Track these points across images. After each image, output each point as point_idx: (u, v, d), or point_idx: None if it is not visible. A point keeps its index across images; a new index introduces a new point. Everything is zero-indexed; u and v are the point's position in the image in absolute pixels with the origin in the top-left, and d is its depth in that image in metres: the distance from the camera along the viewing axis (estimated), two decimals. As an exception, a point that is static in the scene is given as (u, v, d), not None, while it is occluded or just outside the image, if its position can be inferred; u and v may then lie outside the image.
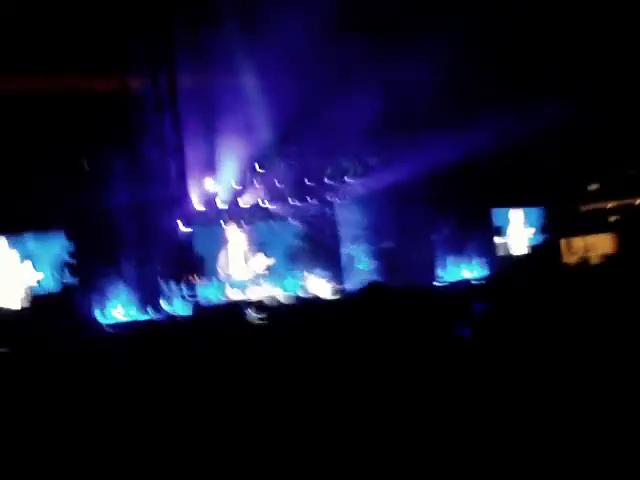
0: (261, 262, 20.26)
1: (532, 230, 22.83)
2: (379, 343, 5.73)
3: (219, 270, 19.60)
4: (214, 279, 19.21)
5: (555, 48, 18.59)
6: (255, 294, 18.92)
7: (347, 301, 11.62)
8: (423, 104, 18.51)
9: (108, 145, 15.94)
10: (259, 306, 15.53)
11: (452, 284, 18.91)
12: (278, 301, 17.76)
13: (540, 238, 22.65)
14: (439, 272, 20.47)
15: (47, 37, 15.09)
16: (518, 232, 22.58)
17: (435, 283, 19.37)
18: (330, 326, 7.99)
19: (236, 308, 15.98)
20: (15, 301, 15.87)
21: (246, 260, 20.18)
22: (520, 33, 18.20)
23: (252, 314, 13.14)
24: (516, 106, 17.76)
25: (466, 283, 18.09)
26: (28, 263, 16.06)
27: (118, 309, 16.42)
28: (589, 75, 18.81)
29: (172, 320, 14.97)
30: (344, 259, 21.12)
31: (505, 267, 20.47)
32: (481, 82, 18.66)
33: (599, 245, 21.04)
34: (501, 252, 21.95)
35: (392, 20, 16.76)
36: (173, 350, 7.53)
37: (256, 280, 19.87)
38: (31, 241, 16.07)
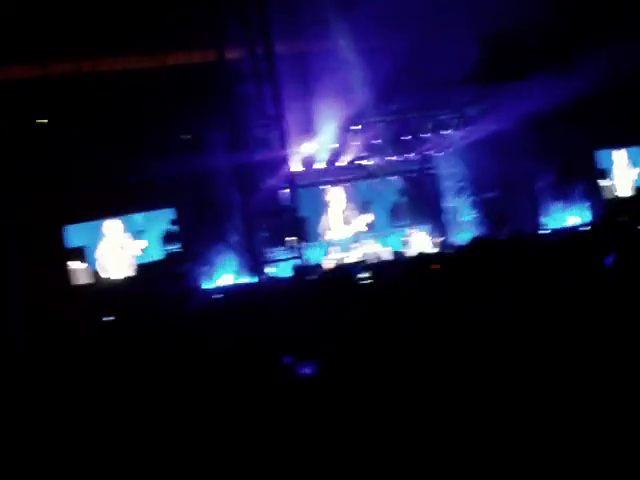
0: (362, 220, 20.54)
1: (637, 170, 22.12)
2: (484, 297, 5.86)
3: (321, 231, 20.05)
4: (317, 240, 19.72)
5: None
6: (358, 253, 19.32)
7: (454, 256, 11.69)
8: (520, 49, 18.26)
9: (210, 115, 16.41)
10: (363, 265, 15.92)
11: (557, 231, 18.71)
12: (380, 259, 18.09)
13: None
14: (544, 219, 20.16)
15: (145, 12, 15.57)
16: (623, 173, 21.96)
17: (540, 231, 19.20)
18: (435, 283, 8.15)
19: (339, 269, 16.46)
20: (127, 272, 16.80)
21: (347, 219, 20.48)
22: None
23: (356, 274, 13.46)
24: (615, 43, 17.30)
25: (572, 230, 17.88)
26: (139, 238, 16.96)
27: (224, 275, 16.95)
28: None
29: (273, 282, 15.48)
30: (447, 212, 21.20)
31: (612, 211, 20.00)
32: (576, 21, 18.24)
33: None
34: (607, 195, 21.42)
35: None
36: (270, 311, 7.82)
37: (358, 239, 20.13)
38: (141, 217, 16.93)
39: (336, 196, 20.47)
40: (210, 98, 16.26)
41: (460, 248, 13.89)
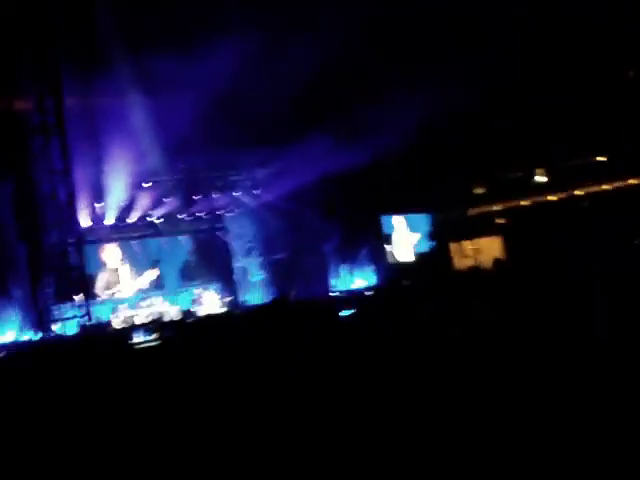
0: (147, 277, 21.02)
1: (417, 235, 23.87)
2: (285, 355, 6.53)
3: (108, 288, 20.30)
4: (104, 297, 19.96)
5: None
6: (146, 312, 19.64)
7: (249, 315, 12.45)
8: (307, 115, 19.48)
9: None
10: (148, 326, 16.38)
11: (346, 292, 19.94)
12: (166, 318, 18.59)
13: (428, 243, 23.78)
14: (332, 281, 21.49)
15: None
16: (403, 239, 23.67)
17: (329, 293, 20.39)
18: (232, 343, 8.83)
19: (123, 330, 16.80)
20: None
21: (135, 276, 20.92)
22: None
23: (141, 336, 14.00)
24: (391, 110, 18.67)
25: (358, 292, 19.17)
26: None
27: (7, 331, 16.77)
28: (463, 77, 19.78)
29: (58, 341, 15.55)
30: (237, 272, 22.07)
31: (393, 275, 21.47)
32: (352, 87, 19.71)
33: (488, 248, 22.35)
34: (390, 259, 23.05)
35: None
36: (56, 372, 8.10)
37: (146, 296, 20.52)
38: None
39: (115, 253, 20.81)
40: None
41: (257, 307, 14.77)
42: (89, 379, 7.30)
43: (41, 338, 16.23)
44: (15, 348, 14.66)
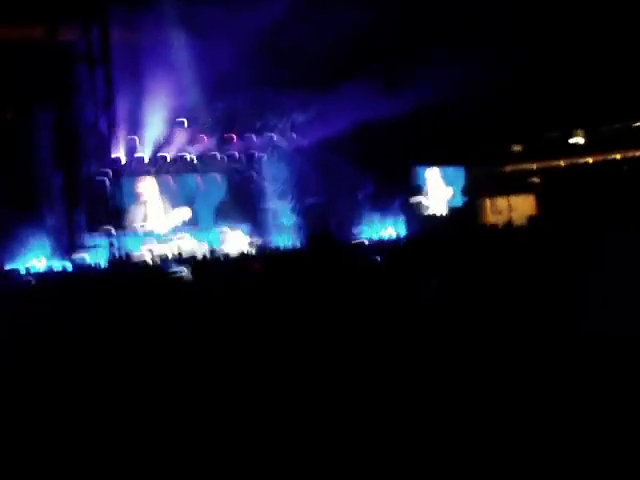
0: (180, 214, 21.20)
1: (450, 190, 24.12)
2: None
3: (140, 221, 20.51)
4: (135, 230, 20.10)
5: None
6: (174, 247, 19.92)
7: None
8: (350, 60, 19.56)
9: (37, 94, 16.73)
10: (178, 260, 16.65)
11: (369, 242, 20.21)
12: (196, 255, 18.87)
13: (462, 198, 23.90)
14: (360, 229, 21.67)
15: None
16: (437, 191, 23.92)
17: (354, 240, 20.62)
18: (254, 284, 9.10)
19: (152, 263, 17.11)
20: None
21: (166, 212, 21.10)
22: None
23: (171, 268, 14.29)
24: (432, 63, 18.71)
25: (381, 242, 19.42)
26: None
27: (39, 258, 17.26)
28: (507, 35, 19.74)
29: (89, 270, 15.99)
30: (266, 214, 22.21)
31: (423, 228, 21.62)
32: (394, 40, 19.80)
33: (522, 206, 22.12)
34: (422, 211, 23.30)
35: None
36: (89, 300, 8.36)
37: (176, 233, 20.77)
38: None
39: (150, 187, 20.94)
40: (38, 77, 16.43)
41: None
42: (118, 307, 7.64)
43: (72, 268, 16.62)
44: (47, 276, 15.12)
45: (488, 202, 23.52)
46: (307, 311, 6.27)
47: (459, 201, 24.00)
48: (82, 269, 16.36)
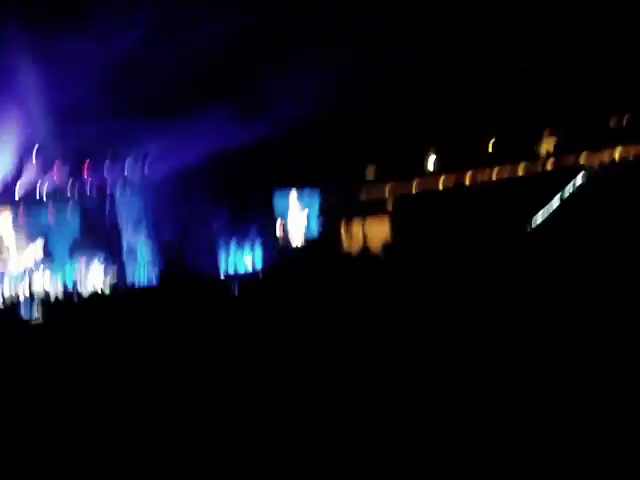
0: (34, 252, 20.63)
1: (305, 212, 24.25)
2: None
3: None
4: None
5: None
6: (29, 287, 19.54)
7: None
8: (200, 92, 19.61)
9: None
10: (32, 302, 16.20)
11: (234, 272, 20.23)
12: (50, 295, 18.41)
13: (319, 221, 24.20)
14: (221, 260, 21.74)
15: None
16: (296, 215, 24.02)
17: (218, 271, 20.75)
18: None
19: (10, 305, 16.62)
20: None
21: (20, 250, 20.53)
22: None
23: (27, 311, 13.95)
24: (287, 84, 19.24)
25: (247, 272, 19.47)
26: None
27: None
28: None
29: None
30: (123, 249, 21.83)
31: (284, 254, 21.81)
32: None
33: (375, 230, 23.02)
34: (281, 236, 23.49)
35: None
36: None
37: (31, 271, 20.25)
38: None
39: (11, 225, 20.54)
40: None
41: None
42: None
43: None
44: None
45: (343, 227, 24.02)
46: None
47: (316, 224, 24.23)
48: None
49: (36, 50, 17.04)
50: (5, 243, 20.44)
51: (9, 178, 19.50)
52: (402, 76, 21.08)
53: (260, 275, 17.07)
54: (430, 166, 24.82)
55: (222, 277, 18.55)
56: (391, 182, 25.01)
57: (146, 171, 21.21)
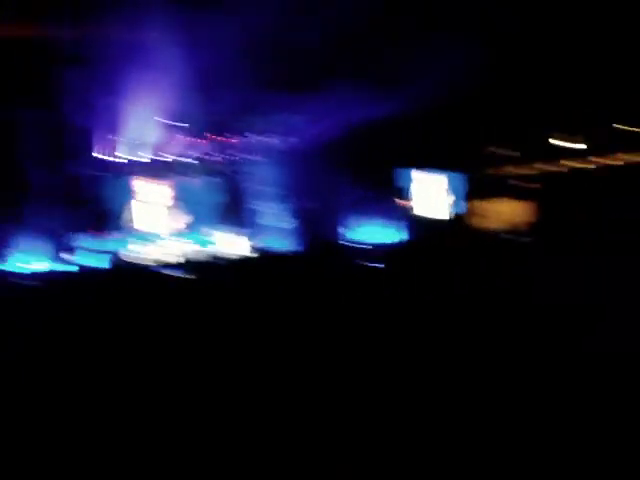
0: (177, 218, 21.10)
1: (445, 195, 23.60)
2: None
3: (131, 223, 20.39)
4: (127, 232, 20.01)
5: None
6: (169, 250, 19.94)
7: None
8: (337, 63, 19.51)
9: (24, 93, 16.55)
10: (177, 265, 16.57)
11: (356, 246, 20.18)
12: (194, 258, 18.78)
13: (454, 202, 23.48)
14: (349, 233, 21.54)
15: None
16: (430, 195, 23.51)
17: (342, 243, 20.70)
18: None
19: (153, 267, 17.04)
20: None
21: (161, 215, 21.04)
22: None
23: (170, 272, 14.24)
24: (422, 64, 18.70)
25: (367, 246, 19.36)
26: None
27: (23, 259, 17.24)
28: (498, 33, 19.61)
29: (89, 272, 15.89)
30: (261, 217, 21.94)
31: (414, 233, 21.60)
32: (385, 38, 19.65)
33: (511, 211, 22.25)
34: (413, 216, 23.06)
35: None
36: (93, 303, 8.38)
37: (171, 236, 20.71)
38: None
39: (152, 189, 20.91)
40: (26, 75, 16.31)
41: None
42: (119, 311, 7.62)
43: (75, 269, 16.51)
44: (50, 278, 15.01)
45: (476, 207, 23.22)
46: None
47: (452, 207, 23.59)
48: (89, 271, 16.49)
49: (182, 24, 17.17)
50: (150, 209, 20.95)
51: (158, 150, 20.08)
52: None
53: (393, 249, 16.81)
54: (578, 146, 23.89)
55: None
56: (534, 163, 24.30)
57: (288, 142, 21.11)
